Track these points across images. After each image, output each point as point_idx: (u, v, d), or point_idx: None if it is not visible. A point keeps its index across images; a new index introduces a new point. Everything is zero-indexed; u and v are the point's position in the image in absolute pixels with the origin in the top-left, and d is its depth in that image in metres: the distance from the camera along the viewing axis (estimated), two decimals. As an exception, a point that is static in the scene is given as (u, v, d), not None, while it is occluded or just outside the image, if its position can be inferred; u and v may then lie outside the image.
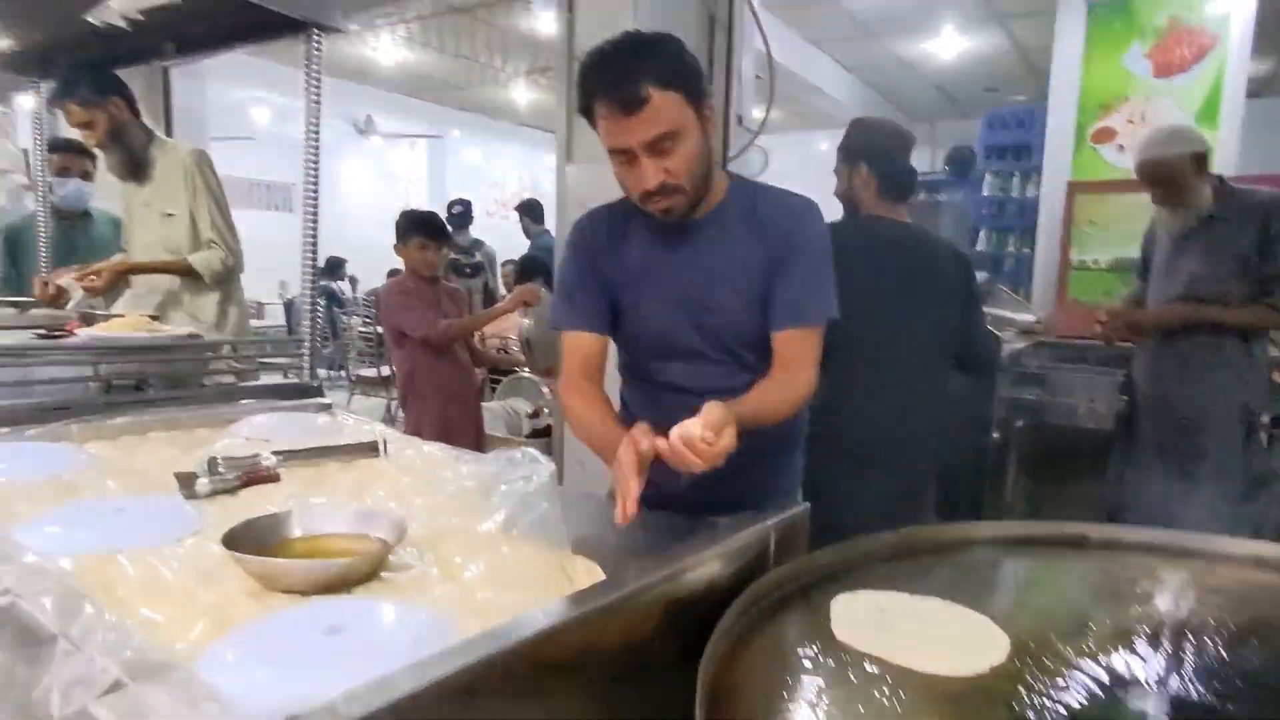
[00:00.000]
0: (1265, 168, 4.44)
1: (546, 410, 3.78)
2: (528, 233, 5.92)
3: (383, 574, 0.91)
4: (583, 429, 1.42)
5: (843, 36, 5.57)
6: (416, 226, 3.15)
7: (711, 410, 1.10)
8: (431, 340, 3.09)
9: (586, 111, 1.30)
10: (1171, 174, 2.56)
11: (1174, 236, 2.68)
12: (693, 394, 1.43)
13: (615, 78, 1.23)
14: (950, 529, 1.20)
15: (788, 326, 1.36)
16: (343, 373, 7.91)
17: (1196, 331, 2.60)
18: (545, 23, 5.38)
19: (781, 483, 1.55)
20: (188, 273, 2.60)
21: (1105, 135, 4.18)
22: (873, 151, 2.22)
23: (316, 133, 2.10)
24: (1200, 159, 2.56)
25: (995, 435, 3.14)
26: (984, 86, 6.80)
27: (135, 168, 2.64)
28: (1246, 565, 1.10)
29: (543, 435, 3.58)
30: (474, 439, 3.28)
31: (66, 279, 2.53)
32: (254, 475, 1.26)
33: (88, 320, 2.13)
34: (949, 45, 5.62)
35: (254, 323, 8.10)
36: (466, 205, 5.99)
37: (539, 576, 0.92)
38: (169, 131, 3.72)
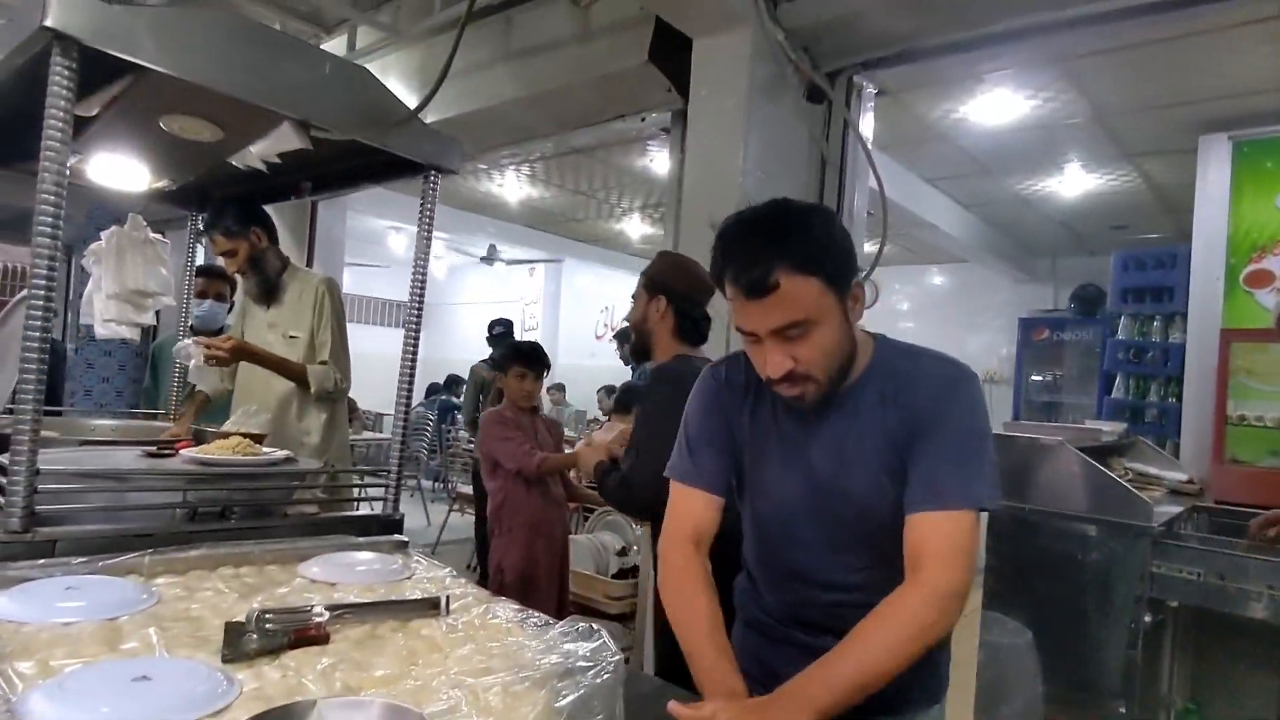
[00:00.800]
0: None
1: (635, 549, 3.60)
2: (626, 360, 5.88)
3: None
4: (680, 634, 1.28)
5: (958, 174, 5.47)
6: (515, 356, 3.17)
7: None
8: (526, 472, 3.03)
9: (719, 281, 1.19)
10: None
11: None
12: (823, 587, 1.29)
13: (746, 258, 1.12)
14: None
15: (920, 510, 1.16)
16: (444, 484, 8.01)
17: None
18: (659, 162, 5.57)
19: (923, 682, 1.31)
20: (300, 378, 2.67)
21: (1261, 279, 3.83)
22: (676, 289, 2.19)
23: (425, 262, 2.14)
24: None
25: (1147, 617, 2.73)
26: (1111, 224, 6.48)
27: (268, 291, 2.79)
28: None
29: (630, 575, 3.40)
30: (558, 574, 3.14)
31: (191, 343, 2.63)
32: (302, 634, 1.17)
33: (199, 439, 2.17)
34: (1073, 183, 5.41)
35: (368, 434, 8.40)
36: (507, 325, 5.85)
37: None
38: (310, 255, 3.97)
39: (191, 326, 3.27)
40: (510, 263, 10.95)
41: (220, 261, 2.88)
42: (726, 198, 2.56)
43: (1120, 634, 2.78)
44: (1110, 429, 3.62)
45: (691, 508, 1.33)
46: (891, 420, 1.21)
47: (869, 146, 2.89)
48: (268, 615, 1.16)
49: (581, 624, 1.21)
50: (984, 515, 1.22)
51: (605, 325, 11.93)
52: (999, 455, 2.73)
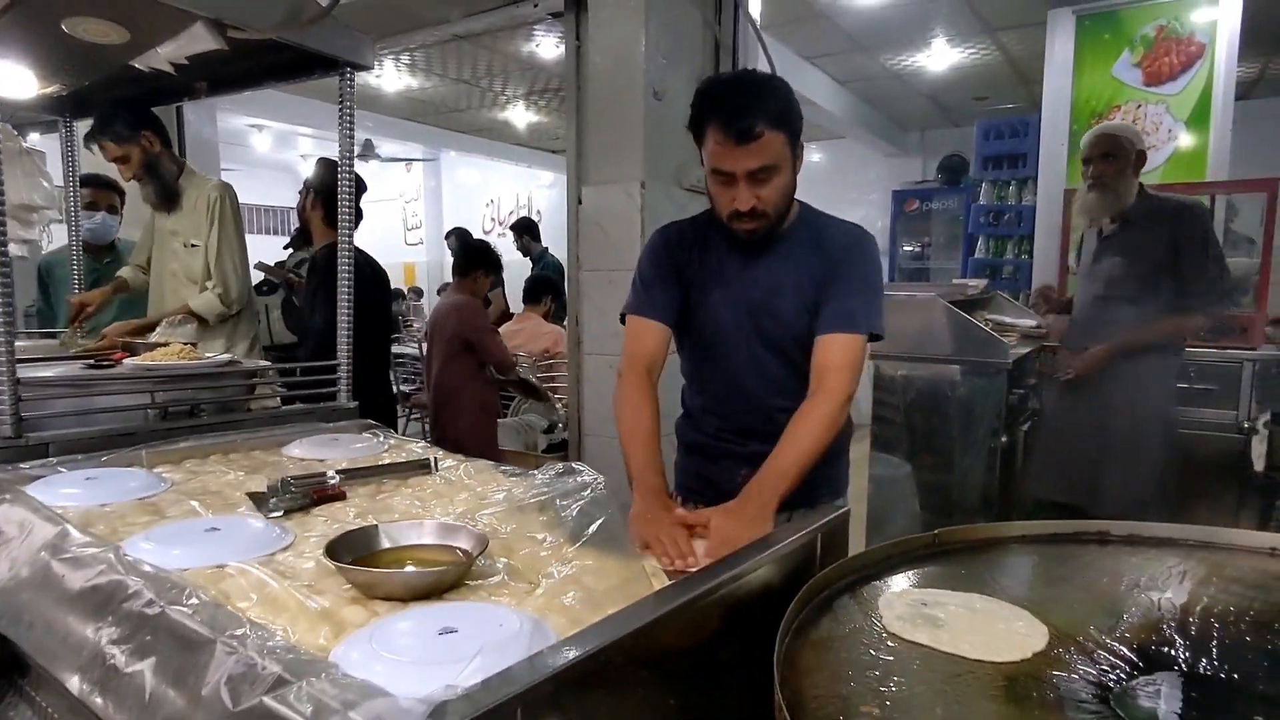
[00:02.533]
0: (1254, 165, 4.56)
1: (562, 425, 3.85)
2: (527, 251, 5.99)
3: (469, 582, 0.99)
4: (622, 439, 1.55)
5: (836, 51, 5.68)
6: (477, 259, 3.53)
7: (715, 532, 1.25)
8: (504, 368, 3.46)
9: (696, 130, 1.45)
10: (1119, 149, 2.69)
11: (1098, 236, 2.84)
12: (751, 396, 1.60)
13: (735, 110, 1.37)
14: (980, 529, 1.28)
15: (831, 331, 1.47)
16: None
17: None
18: (546, 48, 5.49)
19: (831, 482, 1.66)
20: (191, 316, 2.70)
21: (1099, 142, 4.29)
22: (326, 186, 2.73)
23: (350, 163, 2.19)
24: (1140, 156, 2.70)
25: (1004, 439, 3.23)
26: (973, 95, 6.92)
27: (167, 198, 2.74)
28: (1262, 555, 1.18)
29: (558, 450, 3.66)
30: (494, 447, 3.42)
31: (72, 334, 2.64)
32: (322, 493, 1.34)
33: (131, 350, 2.20)
34: (938, 57, 5.73)
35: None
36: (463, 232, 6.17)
37: (616, 581, 1.00)
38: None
39: (84, 241, 3.15)
40: (387, 159, 10.53)
41: (110, 170, 2.79)
42: (633, 84, 2.68)
43: (982, 456, 3.29)
44: (975, 285, 4.09)
45: (644, 337, 1.59)
46: (813, 262, 1.53)
47: (758, 28, 3.04)
48: (290, 481, 1.33)
49: (559, 465, 1.44)
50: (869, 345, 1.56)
51: (492, 219, 11.77)
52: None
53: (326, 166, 2.89)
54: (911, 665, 0.86)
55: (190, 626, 0.76)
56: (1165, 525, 1.27)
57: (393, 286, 9.18)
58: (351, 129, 2.18)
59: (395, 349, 5.85)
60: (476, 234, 12.27)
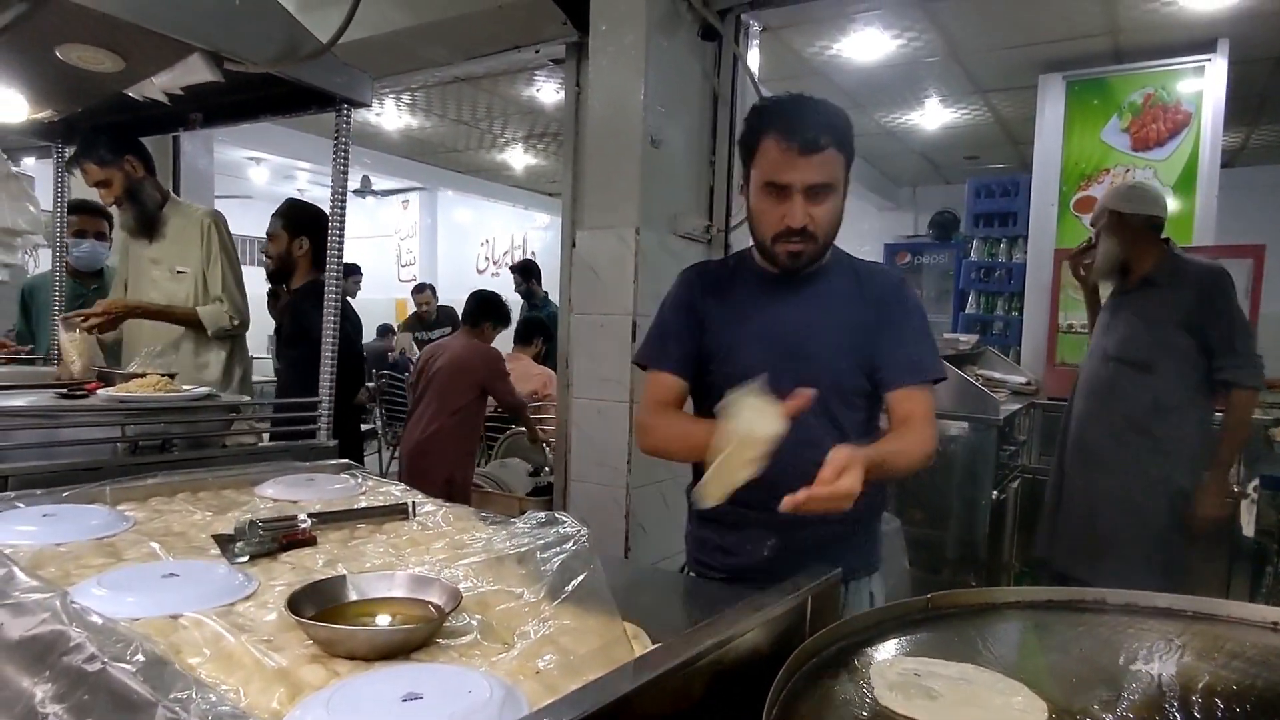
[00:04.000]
0: (1238, 231, 4.62)
1: (548, 469, 3.79)
2: (530, 295, 5.97)
3: (439, 640, 0.94)
4: (673, 432, 1.49)
5: (832, 107, 5.77)
6: (488, 311, 3.86)
7: (836, 452, 1.17)
8: (520, 407, 3.76)
9: (750, 145, 1.42)
10: (1098, 216, 2.67)
11: (1113, 294, 2.76)
12: (790, 442, 1.42)
13: (799, 121, 1.36)
14: (975, 593, 1.24)
15: (907, 384, 1.43)
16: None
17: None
18: (546, 93, 5.55)
19: (864, 552, 1.56)
20: (193, 322, 2.65)
21: (1087, 205, 4.35)
22: (313, 227, 2.84)
23: (343, 198, 2.17)
24: (1160, 225, 2.64)
25: (994, 494, 3.19)
26: (964, 154, 7.04)
27: (148, 225, 2.71)
28: (1263, 629, 1.14)
29: (543, 493, 3.59)
30: (470, 497, 3.41)
31: (65, 335, 2.56)
32: (291, 537, 1.29)
33: (106, 380, 2.15)
34: (932, 116, 5.84)
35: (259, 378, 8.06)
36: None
37: (596, 644, 0.95)
38: (177, 193, 3.79)
39: (70, 267, 3.11)
40: (382, 194, 10.58)
41: (95, 195, 2.76)
42: (630, 131, 2.69)
43: (973, 513, 3.25)
44: (966, 340, 4.09)
45: (663, 385, 1.53)
46: (857, 304, 1.47)
47: (757, 81, 3.07)
48: (258, 523, 1.27)
49: (541, 514, 1.38)
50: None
51: (487, 259, 11.80)
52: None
53: (302, 208, 2.98)
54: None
55: (131, 687, 0.70)
56: (1163, 595, 1.23)
57: (385, 323, 9.12)
58: (346, 165, 2.17)
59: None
60: (469, 274, 12.34)
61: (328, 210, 2.24)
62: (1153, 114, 4.24)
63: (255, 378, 3.24)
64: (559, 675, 0.86)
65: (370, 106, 2.22)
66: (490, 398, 3.72)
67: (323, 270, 2.69)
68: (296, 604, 0.93)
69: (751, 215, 1.47)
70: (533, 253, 10.92)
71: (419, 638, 0.91)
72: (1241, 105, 5.13)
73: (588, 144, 2.87)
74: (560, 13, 3.04)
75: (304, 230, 2.87)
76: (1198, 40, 4.10)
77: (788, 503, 1.14)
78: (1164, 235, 2.67)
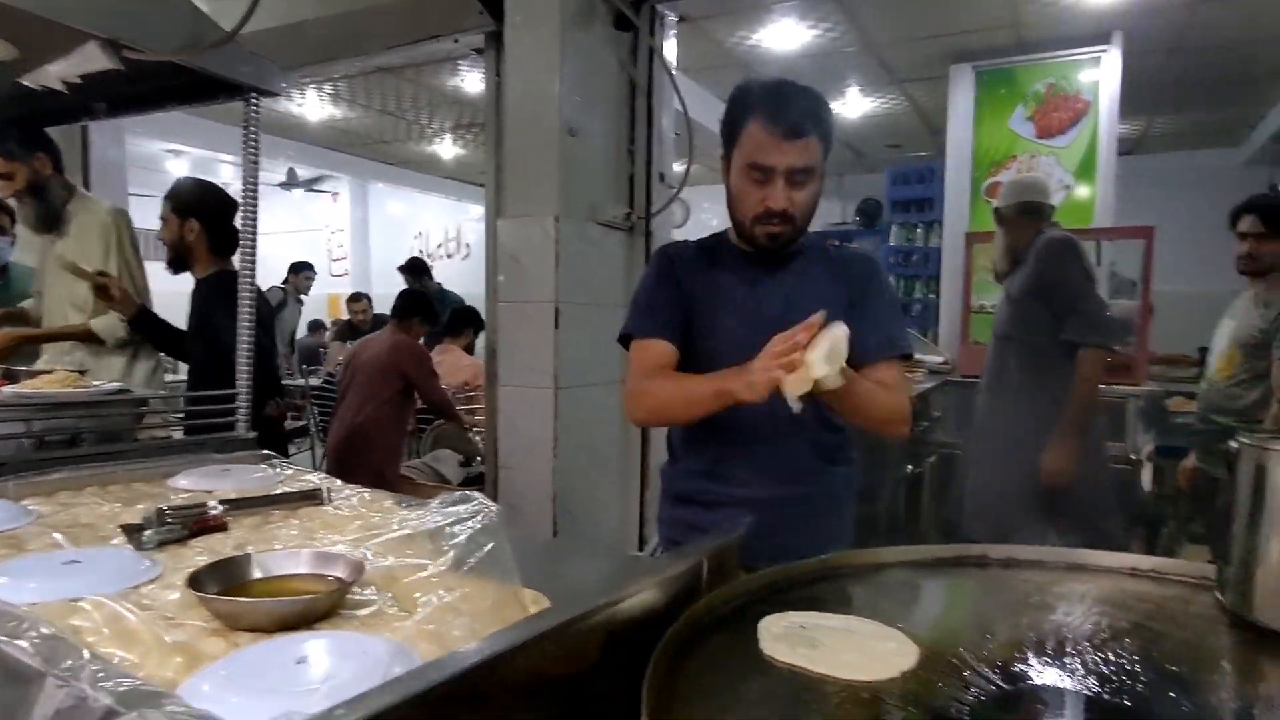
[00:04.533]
0: (1141, 215, 4.89)
1: (480, 459, 3.81)
2: (424, 290, 6.00)
3: (342, 612, 0.97)
4: (676, 388, 1.46)
5: (756, 97, 5.87)
6: (416, 309, 3.87)
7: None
8: (447, 405, 3.79)
9: (731, 127, 1.45)
10: (1005, 222, 2.86)
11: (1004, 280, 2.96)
12: (760, 422, 1.49)
13: (786, 106, 1.39)
14: (866, 554, 1.32)
15: (884, 357, 1.48)
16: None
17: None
18: (471, 82, 5.52)
19: (839, 529, 1.61)
20: (87, 338, 2.59)
21: (997, 190, 4.55)
22: (202, 208, 2.65)
23: (254, 191, 2.15)
24: (1033, 209, 2.82)
25: (909, 469, 3.34)
26: (887, 143, 7.24)
27: (50, 221, 2.63)
28: (1123, 575, 1.25)
29: (475, 483, 3.60)
30: (404, 489, 3.39)
31: None
32: (202, 524, 1.29)
33: (10, 377, 2.09)
34: (853, 106, 6.00)
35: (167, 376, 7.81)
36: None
37: (492, 608, 0.99)
38: (87, 186, 3.68)
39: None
40: (310, 189, 10.34)
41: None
42: (548, 121, 2.72)
43: (890, 487, 3.39)
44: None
45: (650, 354, 1.51)
46: (835, 283, 1.52)
47: (673, 71, 3.12)
48: (166, 511, 1.28)
49: (456, 493, 1.42)
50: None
51: (421, 252, 11.65)
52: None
53: (200, 187, 2.78)
54: (784, 687, 0.87)
55: (22, 661, 0.72)
56: (1038, 548, 1.33)
57: (316, 319, 8.90)
58: (256, 155, 2.14)
59: (312, 381, 5.71)
60: (405, 265, 12.15)
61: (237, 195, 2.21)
62: (1054, 103, 4.46)
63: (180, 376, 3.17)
64: (457, 637, 0.90)
65: (280, 95, 2.20)
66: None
67: (227, 258, 2.66)
68: (199, 582, 0.95)
69: (731, 196, 1.50)
70: (467, 245, 10.82)
71: (320, 608, 0.94)
72: (1138, 95, 5.41)
73: (507, 133, 2.89)
74: (477, 3, 3.04)
75: (192, 212, 2.67)
76: (1094, 32, 4.32)
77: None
78: (1053, 220, 2.85)
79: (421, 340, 3.94)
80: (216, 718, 0.62)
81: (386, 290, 10.77)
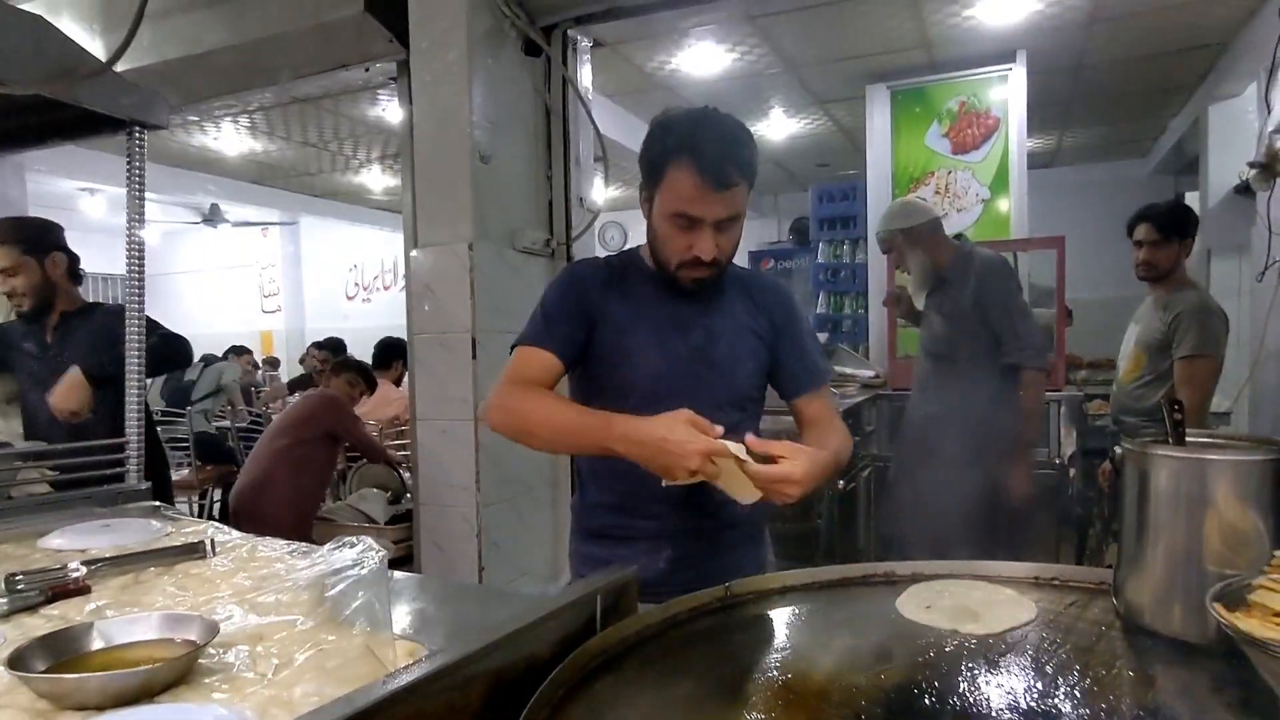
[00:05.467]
0: (1056, 225, 5.05)
1: (408, 495, 3.69)
2: None
3: (194, 680, 0.89)
4: (548, 415, 1.35)
5: (682, 120, 5.92)
6: (349, 367, 4.05)
7: (798, 459, 1.24)
8: (375, 449, 3.79)
9: (655, 167, 1.35)
10: (891, 242, 2.91)
11: (927, 294, 2.97)
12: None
13: (721, 156, 1.31)
14: (773, 578, 1.28)
15: (813, 389, 1.50)
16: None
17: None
18: (393, 112, 5.45)
19: (757, 555, 1.58)
20: None
21: (917, 205, 4.65)
22: (53, 238, 2.55)
23: (139, 225, 2.05)
24: (915, 231, 2.85)
25: (841, 484, 3.34)
26: (816, 162, 7.37)
27: None
28: (1026, 583, 1.24)
29: (404, 520, 3.49)
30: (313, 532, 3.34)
31: None
32: (60, 588, 1.20)
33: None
34: (778, 127, 6.09)
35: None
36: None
37: (358, 664, 0.93)
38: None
39: None
40: (238, 224, 10.07)
41: None
42: (458, 148, 2.67)
43: (826, 503, 3.38)
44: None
45: (531, 365, 1.41)
46: (753, 313, 1.50)
47: (587, 98, 3.11)
48: (17, 576, 1.18)
49: (346, 538, 1.35)
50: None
51: (356, 285, 11.43)
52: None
53: (32, 220, 2.66)
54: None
55: None
56: (946, 563, 1.32)
57: (238, 344, 8.63)
58: (141, 191, 2.05)
59: (238, 424, 5.50)
60: (339, 301, 11.90)
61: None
62: (967, 120, 4.59)
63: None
64: (313, 702, 0.84)
65: (166, 128, 2.11)
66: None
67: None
68: (24, 660, 0.86)
69: (655, 236, 1.42)
70: (404, 276, 10.68)
71: (163, 677, 0.86)
72: (1047, 111, 5.63)
73: (419, 161, 2.83)
74: (385, 31, 2.99)
75: (52, 246, 2.49)
76: (999, 51, 4.47)
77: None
78: (958, 234, 2.91)
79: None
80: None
81: (322, 325, 10.56)
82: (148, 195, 2.09)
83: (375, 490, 3.63)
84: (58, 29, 1.84)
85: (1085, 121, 6.25)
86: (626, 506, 1.49)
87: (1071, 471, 3.63)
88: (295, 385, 7.33)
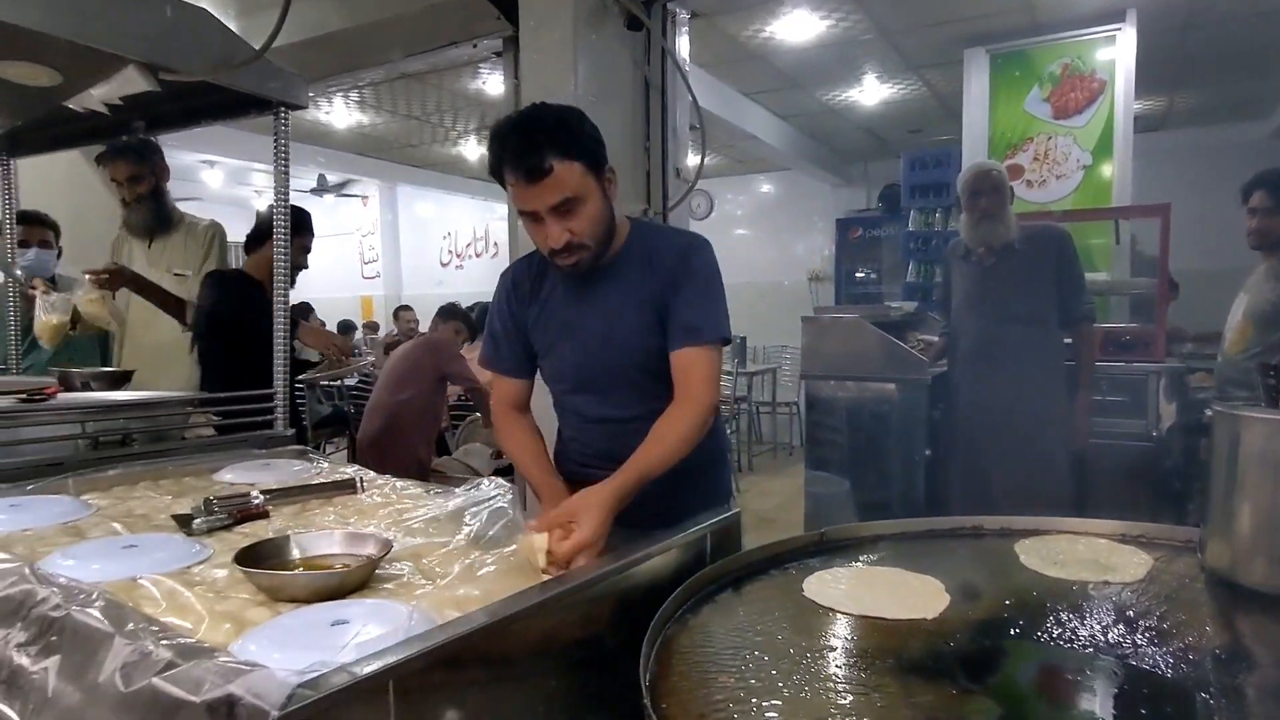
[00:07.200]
0: (1162, 193, 4.84)
1: (508, 452, 3.92)
2: None
3: (373, 585, 1.07)
4: (517, 465, 1.67)
5: (773, 88, 5.91)
6: (455, 315, 4.21)
7: (569, 504, 1.26)
8: (475, 383, 3.84)
9: (497, 174, 1.43)
10: (1002, 183, 2.96)
11: (983, 264, 3.05)
12: (608, 422, 1.63)
13: (520, 149, 1.37)
14: (865, 526, 1.39)
15: (683, 346, 1.50)
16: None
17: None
18: (493, 84, 5.63)
19: (713, 494, 1.70)
20: (183, 312, 2.74)
21: (1014, 172, 4.54)
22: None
23: (286, 200, 2.26)
24: (1011, 191, 3.03)
25: (928, 452, 3.38)
26: (908, 129, 7.21)
27: (160, 224, 2.81)
28: (1115, 540, 1.30)
29: (507, 472, 3.71)
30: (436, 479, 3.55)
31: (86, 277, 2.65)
32: (246, 512, 1.40)
33: (66, 383, 2.23)
34: (870, 93, 5.99)
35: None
36: None
37: (507, 574, 1.08)
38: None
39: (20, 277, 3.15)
40: (340, 193, 10.56)
41: (115, 190, 2.85)
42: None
43: (911, 468, 3.43)
44: (899, 306, 4.27)
45: (504, 388, 1.70)
46: (650, 282, 1.53)
47: (685, 69, 3.19)
48: (213, 500, 1.39)
49: (477, 481, 1.52)
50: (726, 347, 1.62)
51: (450, 252, 11.83)
52: (809, 336, 3.29)
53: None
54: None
55: (92, 625, 0.83)
56: (1031, 519, 1.40)
57: (346, 319, 9.09)
58: (287, 167, 2.25)
59: (347, 381, 5.88)
60: (434, 268, 12.35)
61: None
62: (1070, 83, 4.44)
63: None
64: (475, 603, 1.00)
65: (306, 108, 2.31)
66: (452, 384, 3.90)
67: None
68: (244, 559, 1.05)
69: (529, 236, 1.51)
70: (496, 243, 10.98)
71: (353, 580, 1.03)
72: (1156, 72, 5.34)
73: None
74: (493, 8, 3.13)
75: (300, 229, 2.78)
76: (1107, 10, 4.29)
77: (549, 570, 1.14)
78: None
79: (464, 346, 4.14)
80: (260, 664, 0.71)
81: (418, 290, 11.01)
82: (260, 166, 2.31)
83: (479, 445, 3.86)
84: (218, 19, 2.04)
85: (1197, 82, 5.91)
86: (584, 460, 1.67)
87: (1171, 444, 3.55)
88: (389, 347, 7.73)
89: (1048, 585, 1.12)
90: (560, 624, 0.98)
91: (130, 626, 0.81)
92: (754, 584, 1.16)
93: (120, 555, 1.15)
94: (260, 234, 2.89)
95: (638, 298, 1.53)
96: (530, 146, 1.36)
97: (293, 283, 2.88)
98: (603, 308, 1.56)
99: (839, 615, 1.02)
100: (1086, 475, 3.18)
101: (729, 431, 6.35)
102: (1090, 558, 1.22)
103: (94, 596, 0.90)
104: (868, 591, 1.09)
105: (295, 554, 1.13)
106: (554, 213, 1.40)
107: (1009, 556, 1.26)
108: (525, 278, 1.65)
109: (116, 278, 2.57)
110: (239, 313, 2.61)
